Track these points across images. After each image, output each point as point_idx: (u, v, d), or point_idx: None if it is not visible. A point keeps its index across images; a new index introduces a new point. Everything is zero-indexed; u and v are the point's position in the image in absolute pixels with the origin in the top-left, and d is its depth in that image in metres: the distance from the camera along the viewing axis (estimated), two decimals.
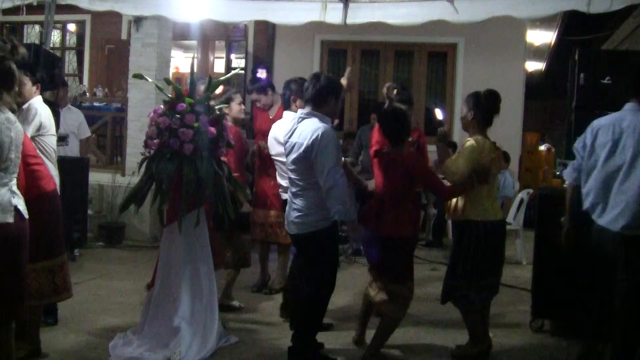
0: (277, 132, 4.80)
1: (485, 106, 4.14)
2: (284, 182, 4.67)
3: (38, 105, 4.08)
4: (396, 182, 3.98)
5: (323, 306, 3.97)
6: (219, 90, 4.65)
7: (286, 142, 3.92)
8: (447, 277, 4.17)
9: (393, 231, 3.90)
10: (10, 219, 2.94)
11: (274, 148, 4.90)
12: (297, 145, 3.78)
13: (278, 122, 4.99)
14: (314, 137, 3.68)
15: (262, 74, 5.79)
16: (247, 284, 5.66)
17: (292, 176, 3.87)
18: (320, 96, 3.84)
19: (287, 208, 3.96)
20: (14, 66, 3.08)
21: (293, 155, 3.81)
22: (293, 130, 3.88)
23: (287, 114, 4.79)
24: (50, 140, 4.14)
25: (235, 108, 4.92)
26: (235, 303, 5.04)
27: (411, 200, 4.07)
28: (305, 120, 3.83)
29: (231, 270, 4.97)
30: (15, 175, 3.05)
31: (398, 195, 3.97)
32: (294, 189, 3.87)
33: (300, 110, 3.96)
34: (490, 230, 4.04)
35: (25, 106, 3.98)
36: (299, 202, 3.82)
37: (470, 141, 4.07)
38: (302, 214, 3.80)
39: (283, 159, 4.24)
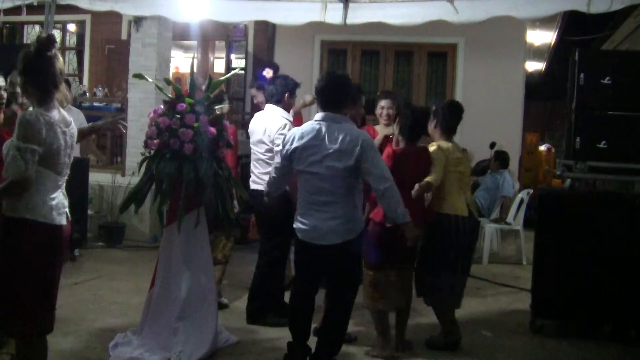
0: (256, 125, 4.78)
1: (447, 117, 4.36)
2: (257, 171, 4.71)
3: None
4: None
5: None
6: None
7: (311, 147, 3.62)
8: (420, 273, 4.32)
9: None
10: (64, 221, 2.95)
11: (253, 137, 4.82)
12: (338, 152, 3.55)
13: (259, 113, 4.90)
14: (362, 142, 3.56)
15: (267, 73, 5.72)
16: (244, 284, 5.66)
17: (325, 185, 3.60)
18: (342, 99, 3.71)
19: (312, 219, 3.66)
20: (54, 60, 2.90)
21: (334, 164, 3.56)
22: (323, 135, 3.61)
23: (270, 107, 4.77)
24: None
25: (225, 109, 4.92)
26: (224, 300, 5.04)
27: None
28: (339, 125, 3.62)
29: (219, 267, 4.95)
30: (66, 177, 3.03)
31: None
32: (328, 198, 3.61)
33: (324, 114, 3.68)
34: (460, 224, 4.21)
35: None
36: (336, 210, 3.60)
37: (433, 147, 4.27)
38: (343, 221, 3.61)
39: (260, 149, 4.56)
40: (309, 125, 3.72)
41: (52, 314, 2.99)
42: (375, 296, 4.08)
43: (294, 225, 3.79)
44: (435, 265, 4.23)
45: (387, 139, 5.03)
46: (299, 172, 3.74)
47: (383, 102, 5.23)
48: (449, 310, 4.35)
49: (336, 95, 3.70)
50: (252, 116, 6.42)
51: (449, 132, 4.36)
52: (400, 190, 3.81)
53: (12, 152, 2.74)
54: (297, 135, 3.71)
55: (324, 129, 3.63)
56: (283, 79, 4.82)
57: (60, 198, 2.95)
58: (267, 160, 4.61)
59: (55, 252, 2.94)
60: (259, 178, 4.68)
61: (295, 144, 3.69)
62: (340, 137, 3.57)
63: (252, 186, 4.74)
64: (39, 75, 2.88)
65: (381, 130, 5.23)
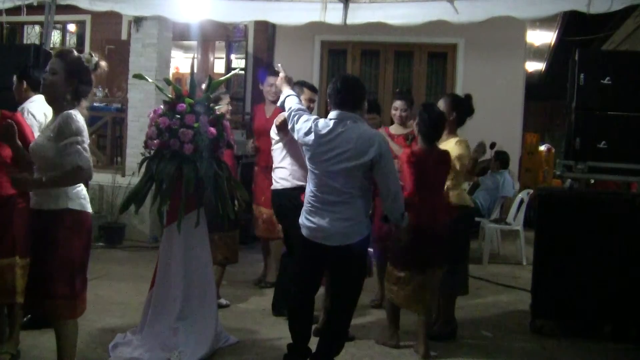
0: None
1: (465, 108, 4.51)
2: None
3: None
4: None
5: None
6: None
7: (324, 145, 3.58)
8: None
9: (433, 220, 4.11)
10: (90, 209, 3.31)
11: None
12: (353, 151, 3.50)
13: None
14: (377, 144, 3.52)
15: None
16: (244, 284, 5.66)
17: (336, 185, 3.55)
18: (358, 100, 3.68)
19: (319, 218, 3.60)
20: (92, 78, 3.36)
21: (347, 164, 3.51)
22: (337, 134, 3.56)
23: None
24: None
25: (223, 109, 4.92)
26: (223, 301, 5.03)
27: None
28: (355, 125, 3.58)
29: (218, 268, 4.94)
30: None
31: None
32: (338, 198, 3.56)
33: (339, 112, 3.62)
34: (469, 214, 4.59)
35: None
36: (346, 211, 3.55)
37: (459, 139, 4.40)
38: (353, 223, 3.56)
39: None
40: (323, 123, 3.66)
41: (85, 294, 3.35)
42: (390, 287, 4.21)
43: (299, 221, 3.74)
44: (461, 255, 4.41)
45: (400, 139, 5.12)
46: (310, 168, 3.70)
47: (397, 104, 5.30)
48: (455, 298, 4.53)
49: (353, 96, 3.66)
50: (251, 116, 6.42)
51: (462, 125, 4.57)
52: (420, 191, 3.92)
53: (74, 146, 3.06)
54: (312, 129, 3.65)
55: (339, 128, 3.59)
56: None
57: (83, 187, 3.29)
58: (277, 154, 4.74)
59: (90, 237, 3.33)
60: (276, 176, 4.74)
61: (308, 142, 3.65)
62: (356, 137, 3.54)
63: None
64: (87, 83, 3.29)
65: (396, 130, 5.26)
